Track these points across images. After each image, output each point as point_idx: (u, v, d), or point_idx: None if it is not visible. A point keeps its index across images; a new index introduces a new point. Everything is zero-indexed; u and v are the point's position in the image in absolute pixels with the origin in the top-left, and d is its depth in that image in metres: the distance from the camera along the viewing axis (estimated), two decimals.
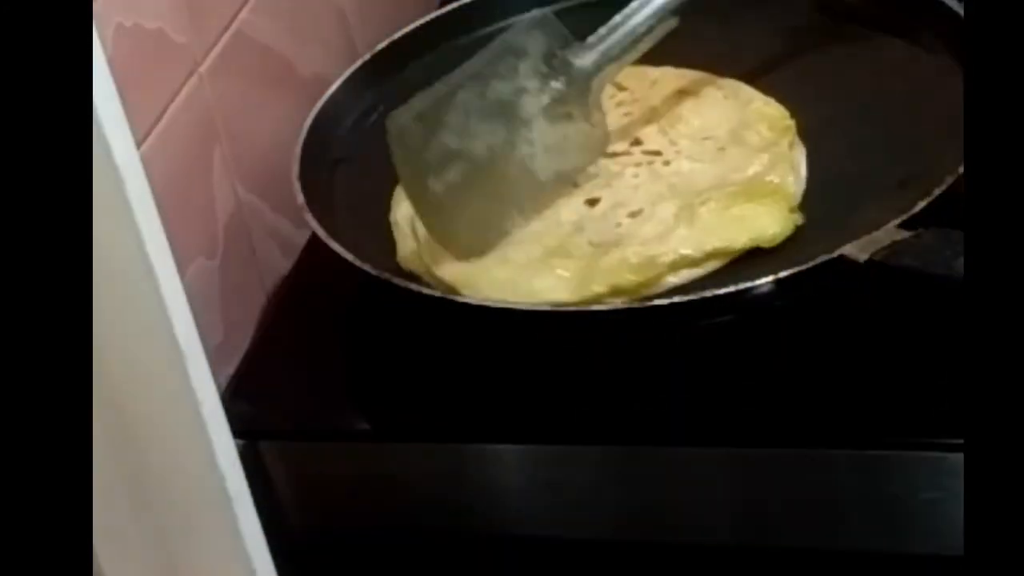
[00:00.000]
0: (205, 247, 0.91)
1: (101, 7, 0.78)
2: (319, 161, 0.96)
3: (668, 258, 0.84)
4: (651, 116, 0.97)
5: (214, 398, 0.62)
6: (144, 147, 0.84)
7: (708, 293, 0.79)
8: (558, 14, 1.06)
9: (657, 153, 0.93)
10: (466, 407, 0.85)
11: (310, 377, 0.91)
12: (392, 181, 0.95)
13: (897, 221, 0.79)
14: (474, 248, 0.87)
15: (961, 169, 0.81)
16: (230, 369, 0.91)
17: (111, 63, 0.56)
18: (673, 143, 0.94)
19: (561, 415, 0.83)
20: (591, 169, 0.92)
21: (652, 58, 0.95)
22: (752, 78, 0.99)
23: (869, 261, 0.78)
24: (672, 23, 0.92)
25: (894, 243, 0.78)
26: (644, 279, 0.84)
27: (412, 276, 0.88)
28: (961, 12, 0.95)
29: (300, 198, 0.90)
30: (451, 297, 0.82)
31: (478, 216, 0.88)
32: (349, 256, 0.86)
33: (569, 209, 0.90)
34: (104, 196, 0.56)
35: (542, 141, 0.89)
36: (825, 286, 0.80)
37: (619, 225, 0.88)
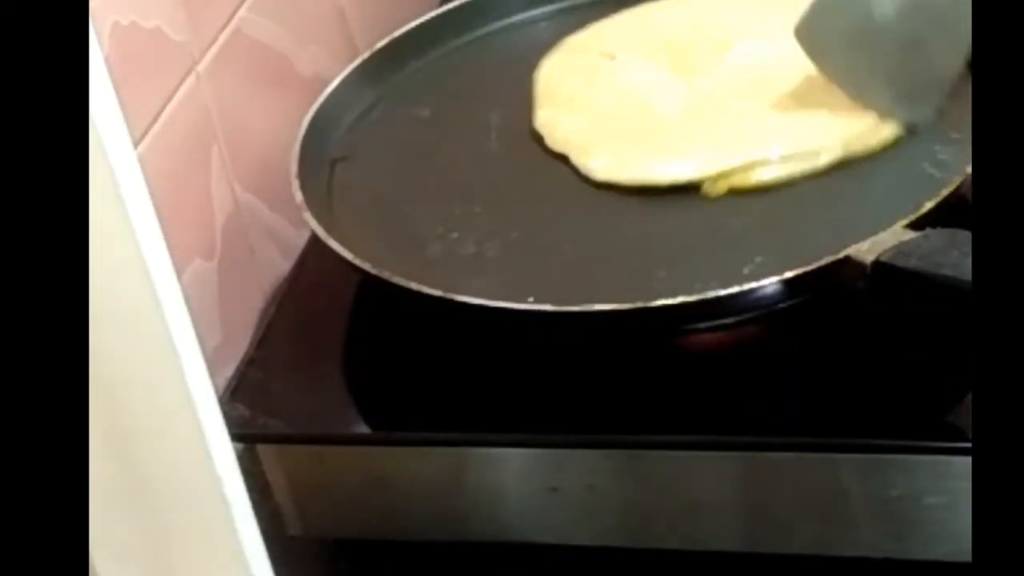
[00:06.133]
0: (203, 248, 0.91)
1: (98, 5, 0.78)
2: (318, 160, 0.95)
3: None
4: None
5: (212, 401, 0.62)
6: (141, 146, 0.83)
7: (712, 293, 0.79)
8: (559, 13, 1.07)
9: None
10: (466, 409, 0.85)
11: (309, 379, 0.90)
12: (391, 180, 0.95)
13: (904, 221, 0.79)
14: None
15: (968, 169, 0.81)
16: (228, 371, 0.91)
17: (108, 61, 0.56)
18: None
19: (562, 417, 0.83)
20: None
21: None
22: None
23: (875, 262, 0.77)
24: None
25: (901, 244, 0.77)
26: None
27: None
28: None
29: (299, 197, 0.90)
30: (450, 297, 0.82)
31: None
32: (349, 256, 0.85)
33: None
34: (100, 196, 0.56)
35: None
36: (830, 287, 0.79)
37: None
